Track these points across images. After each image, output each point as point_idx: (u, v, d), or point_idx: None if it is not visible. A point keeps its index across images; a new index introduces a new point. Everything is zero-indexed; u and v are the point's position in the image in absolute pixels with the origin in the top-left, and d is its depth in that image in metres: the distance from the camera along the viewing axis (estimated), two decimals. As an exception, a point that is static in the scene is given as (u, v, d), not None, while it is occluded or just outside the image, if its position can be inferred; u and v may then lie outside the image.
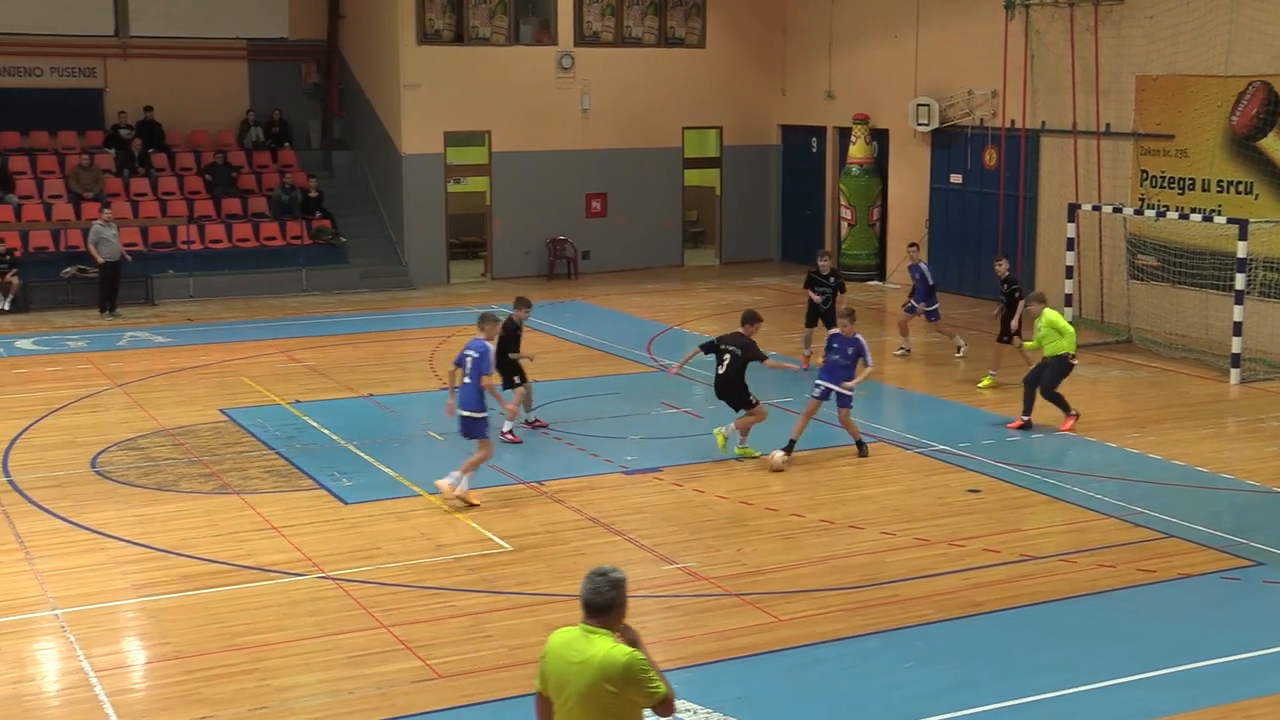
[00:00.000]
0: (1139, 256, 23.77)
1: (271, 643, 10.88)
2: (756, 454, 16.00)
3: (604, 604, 6.32)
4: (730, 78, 31.98)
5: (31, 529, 13.57)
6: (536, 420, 17.52)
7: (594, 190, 30.89)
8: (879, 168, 29.67)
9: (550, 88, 30.16)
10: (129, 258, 25.91)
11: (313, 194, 29.35)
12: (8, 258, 25.63)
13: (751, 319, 16.51)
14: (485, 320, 15.15)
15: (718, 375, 16.28)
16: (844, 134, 30.40)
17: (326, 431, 17.30)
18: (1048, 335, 17.31)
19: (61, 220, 27.33)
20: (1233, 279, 20.50)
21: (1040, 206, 26.16)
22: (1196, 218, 21.63)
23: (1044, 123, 25.89)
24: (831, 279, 20.95)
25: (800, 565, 12.64)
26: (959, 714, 9.66)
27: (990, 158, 27.20)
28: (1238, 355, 20.22)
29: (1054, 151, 25.82)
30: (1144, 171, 24.16)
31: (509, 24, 29.75)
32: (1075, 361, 17.57)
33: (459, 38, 29.35)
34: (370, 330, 24.47)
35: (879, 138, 29.63)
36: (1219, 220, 21.25)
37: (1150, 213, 22.60)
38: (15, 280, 25.53)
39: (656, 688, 6.28)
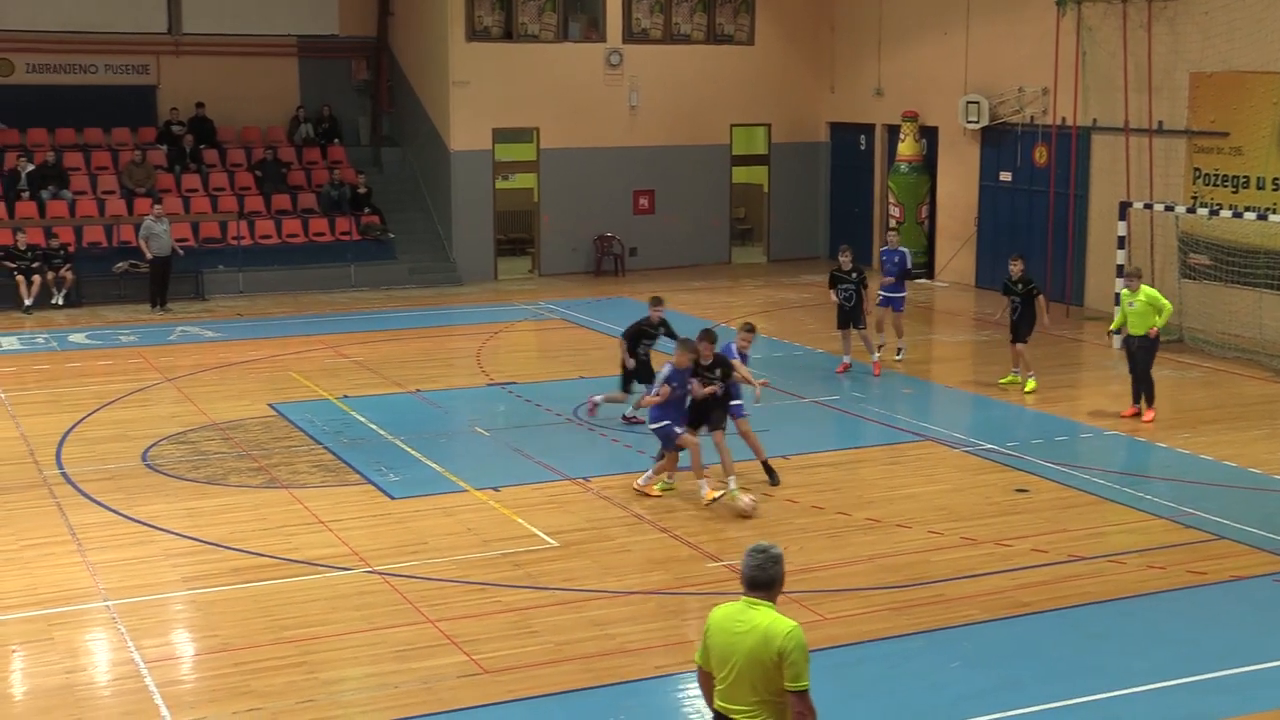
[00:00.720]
0: (1191, 255, 23.57)
1: (319, 636, 10.96)
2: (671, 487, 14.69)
3: (767, 579, 6.74)
4: (779, 75, 31.92)
5: (83, 521, 13.73)
6: (634, 417, 17.22)
7: (641, 187, 30.91)
8: (928, 165, 29.55)
9: (599, 84, 30.20)
10: (180, 252, 26.16)
11: (361, 190, 29.52)
12: (62, 253, 25.91)
13: (700, 338, 14.42)
14: (681, 345, 14.36)
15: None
16: (893, 131, 30.29)
17: (374, 426, 17.41)
18: (1144, 312, 17.50)
19: (114, 216, 27.62)
20: (1286, 278, 20.33)
21: (1091, 205, 25.98)
22: (1251, 216, 21.44)
23: (1095, 120, 25.71)
24: (854, 274, 20.17)
25: (846, 564, 12.63)
26: (1003, 715, 9.62)
27: (1041, 155, 27.03)
28: (1291, 355, 20.07)
29: (1105, 149, 25.64)
30: (1197, 169, 23.95)
31: (558, 20, 29.81)
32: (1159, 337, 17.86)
33: (508, 34, 29.44)
34: (418, 326, 24.59)
35: (928, 135, 29.51)
36: (1274, 219, 21.06)
37: (1203, 211, 22.41)
38: (69, 275, 25.82)
39: (802, 673, 6.57)
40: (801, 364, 21.39)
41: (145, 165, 28.48)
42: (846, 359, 20.51)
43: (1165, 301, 17.76)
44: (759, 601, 6.71)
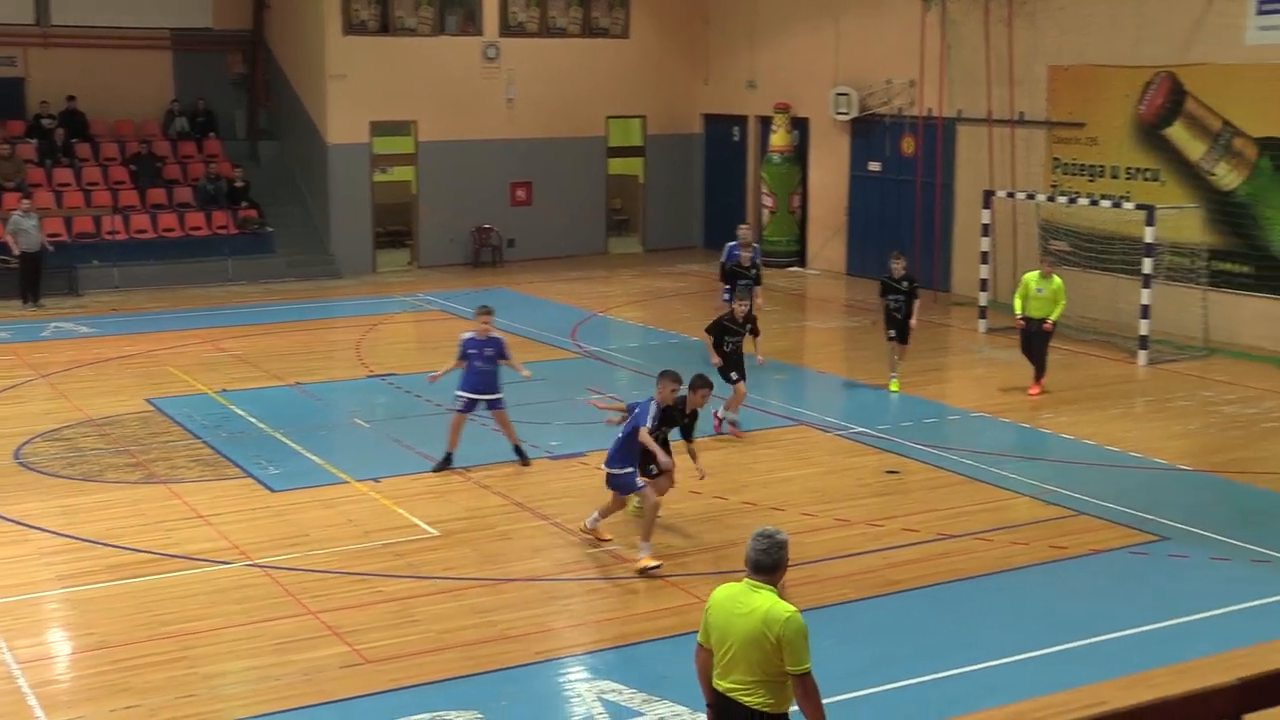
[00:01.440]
0: (1052, 242, 24.02)
1: (198, 631, 10.76)
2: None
3: (772, 563, 6.81)
4: (653, 67, 31.97)
5: (-45, 521, 13.35)
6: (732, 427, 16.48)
7: (519, 179, 30.78)
8: (799, 156, 29.79)
9: (476, 78, 30.00)
10: (50, 248, 25.46)
11: (238, 184, 29.03)
12: (-70, 249, 25.18)
13: (694, 384, 13.25)
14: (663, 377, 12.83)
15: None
16: (765, 123, 30.49)
17: (253, 420, 17.13)
18: (1048, 299, 18.25)
19: (-17, 211, 26.89)
20: (1141, 263, 20.79)
21: (956, 193, 26.38)
22: (1106, 204, 21.90)
23: (960, 111, 26.10)
24: (905, 283, 18.50)
25: (723, 546, 12.68)
26: (877, 690, 9.72)
27: (908, 146, 27.38)
28: (1145, 337, 20.52)
29: (970, 139, 26.04)
30: (1056, 159, 24.42)
31: (434, 14, 29.54)
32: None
33: (384, 28, 29.11)
34: (297, 319, 24.24)
35: (799, 126, 29.74)
36: (1128, 206, 21.53)
37: (1062, 199, 22.85)
38: (-63, 271, 25.08)
39: (803, 657, 6.70)
40: (677, 352, 21.44)
41: (14, 159, 27.70)
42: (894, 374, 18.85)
43: (1064, 296, 18.38)
44: (761, 585, 6.80)
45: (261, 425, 16.90)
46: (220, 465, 15.26)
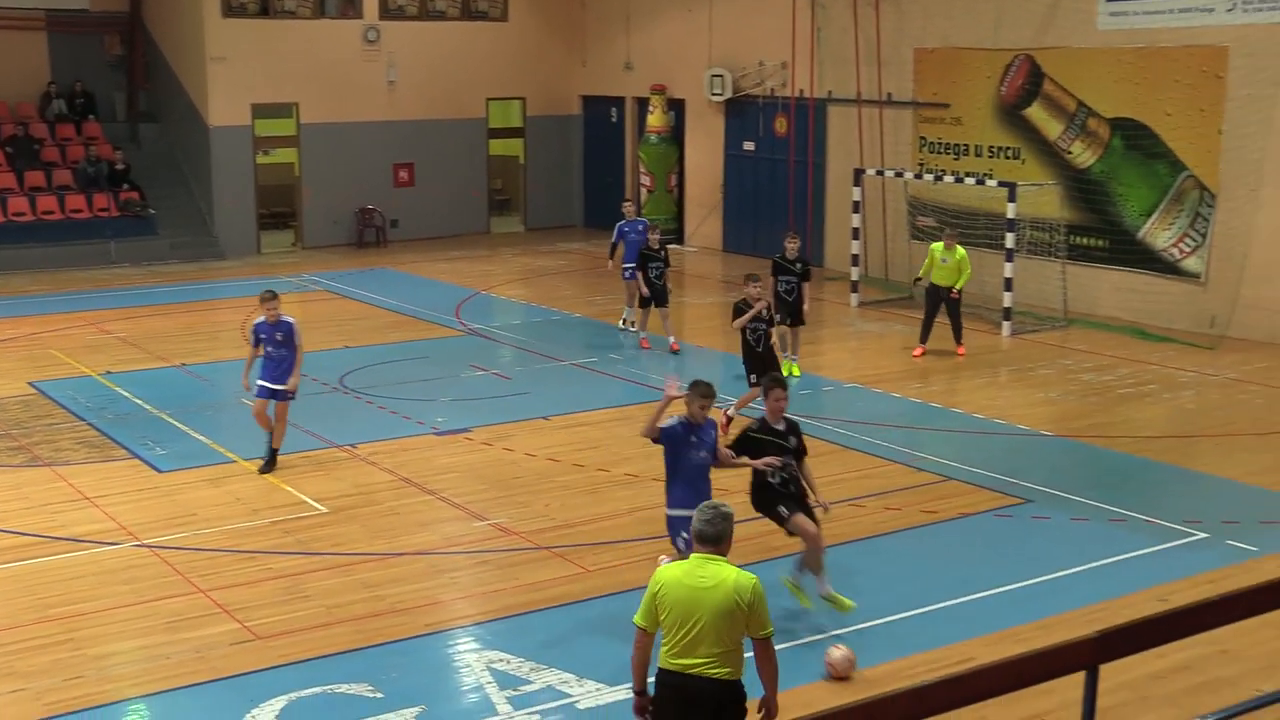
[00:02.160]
0: (919, 218, 24.40)
1: (86, 612, 10.55)
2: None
3: (716, 534, 6.74)
4: (532, 50, 31.82)
5: None
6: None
7: (401, 160, 30.50)
8: (676, 136, 29.86)
9: (357, 60, 29.64)
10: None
11: (119, 166, 28.40)
12: None
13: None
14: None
15: None
16: (642, 104, 30.50)
17: (139, 401, 16.81)
18: (953, 268, 18.90)
19: None
20: (1003, 238, 21.17)
21: (828, 171, 26.64)
22: (970, 181, 22.26)
23: (830, 92, 26.34)
24: (798, 265, 17.75)
25: (606, 518, 12.71)
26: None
27: (781, 126, 27.58)
28: (1008, 309, 20.91)
29: (840, 120, 26.29)
30: (923, 138, 24.76)
31: (314, -3, 29.15)
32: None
33: (264, 11, 28.63)
34: (181, 301, 23.80)
35: (675, 107, 29.81)
36: (990, 183, 21.90)
37: (929, 177, 23.18)
38: None
39: (768, 621, 6.75)
40: (559, 328, 21.44)
41: (-111, 143, 26.87)
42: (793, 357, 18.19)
43: (969, 266, 19.08)
44: (713, 556, 6.75)
45: (147, 406, 16.58)
46: (106, 447, 14.96)
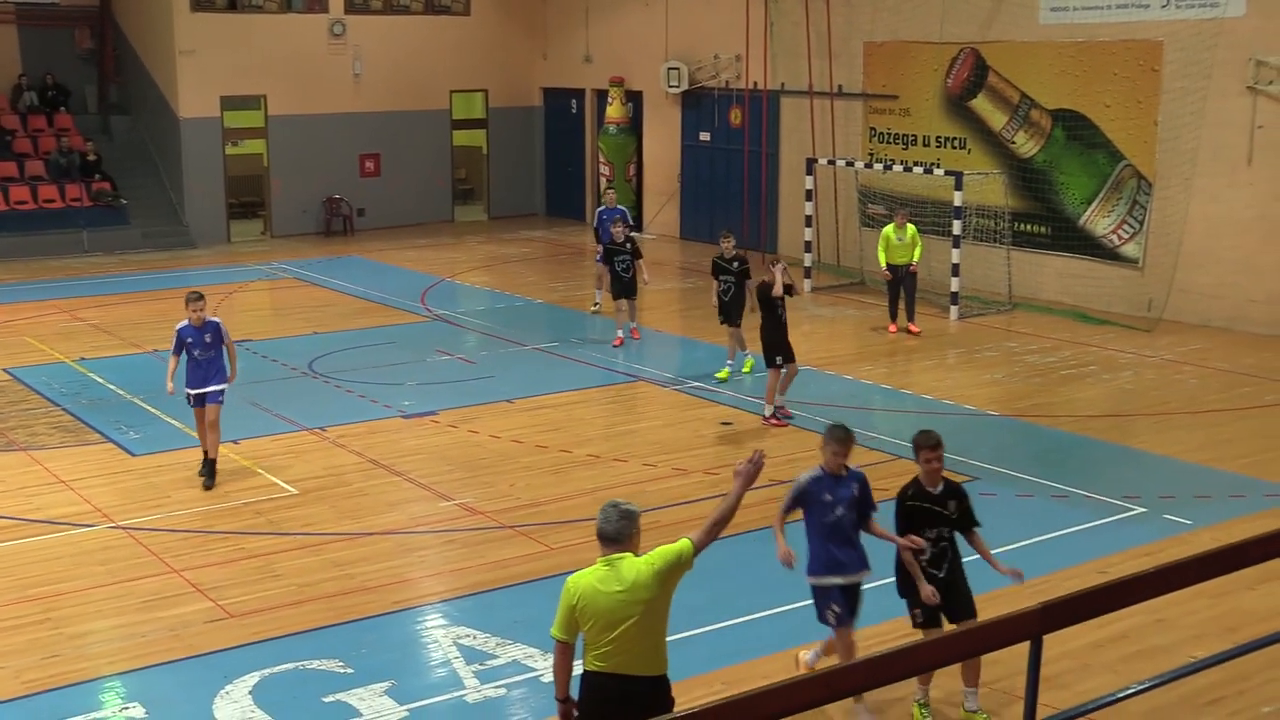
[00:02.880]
0: (869, 206, 24.47)
1: (63, 593, 10.48)
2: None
3: (614, 532, 6.49)
4: (494, 43, 31.70)
5: None
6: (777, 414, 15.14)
7: (367, 151, 30.34)
8: (634, 127, 29.82)
9: (323, 54, 29.44)
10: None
11: (91, 157, 28.12)
12: None
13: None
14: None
15: None
16: (601, 96, 30.44)
17: (112, 387, 16.69)
18: (909, 245, 19.33)
19: None
20: (950, 225, 21.27)
21: (781, 161, 26.68)
22: (918, 170, 22.34)
23: (783, 84, 26.36)
24: (735, 264, 16.76)
25: (569, 497, 12.72)
26: (714, 627, 9.86)
27: (735, 117, 27.59)
28: (956, 294, 21.02)
29: (793, 111, 26.33)
30: (872, 129, 24.83)
31: (280, -8, 28.93)
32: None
33: (232, 5, 28.39)
34: (153, 288, 23.59)
35: (634, 99, 29.77)
36: (938, 172, 22.00)
37: (878, 166, 23.25)
38: None
39: (679, 548, 6.53)
40: (522, 313, 21.40)
41: None
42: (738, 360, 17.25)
43: (921, 240, 19.60)
44: (618, 556, 6.47)
45: (121, 391, 16.46)
46: (80, 431, 14.84)
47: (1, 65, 29.03)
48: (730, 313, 16.74)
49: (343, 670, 9.15)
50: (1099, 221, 21.43)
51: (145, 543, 11.50)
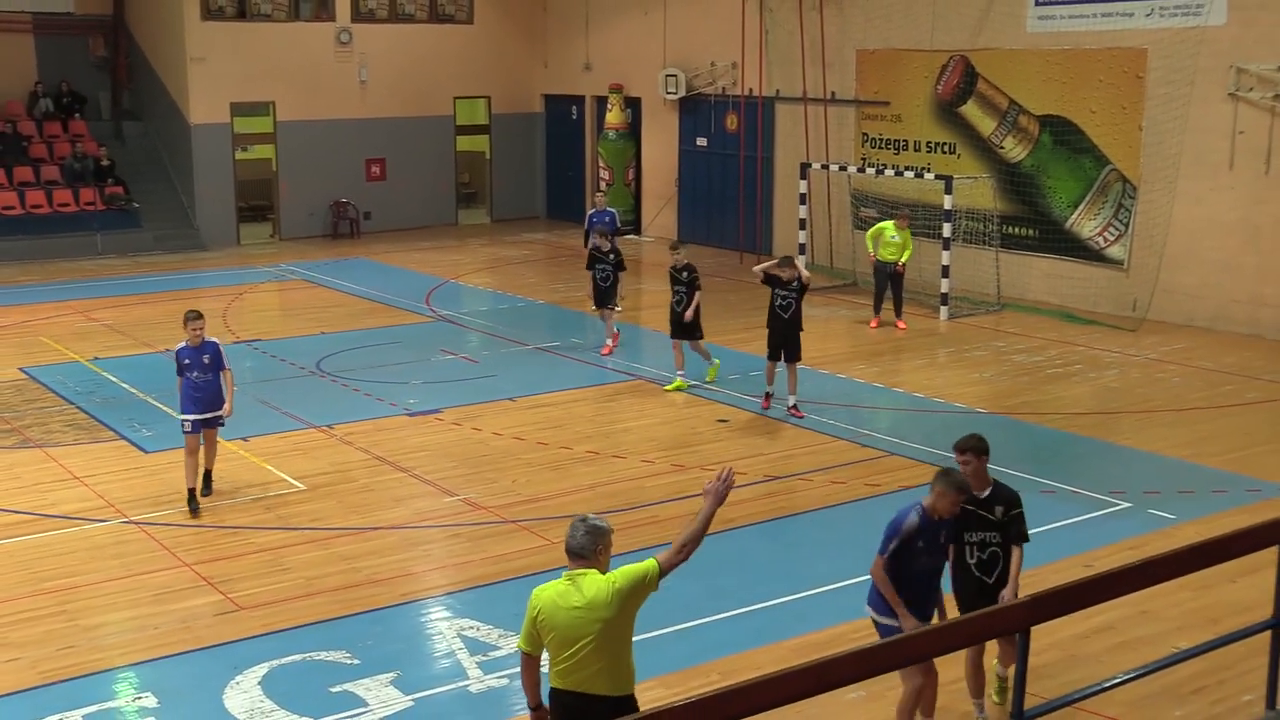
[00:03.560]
0: (862, 209, 24.47)
1: (77, 586, 10.47)
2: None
3: (579, 547, 6.18)
4: (497, 51, 31.69)
5: None
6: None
7: (373, 156, 30.32)
8: (633, 132, 29.81)
9: (330, 61, 29.43)
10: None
11: (104, 162, 28.11)
12: None
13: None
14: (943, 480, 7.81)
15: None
16: (601, 102, 30.43)
17: (125, 385, 16.68)
18: (901, 244, 19.66)
19: None
20: (940, 228, 21.27)
21: (776, 166, 26.67)
22: (909, 174, 22.33)
23: (778, 91, 26.36)
24: (685, 274, 16.42)
25: (569, 492, 12.72)
26: (712, 619, 9.86)
27: (731, 123, 27.58)
28: (946, 294, 21.02)
29: (787, 117, 26.32)
30: (865, 134, 24.83)
31: (289, 1, 28.86)
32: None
33: (242, 14, 28.37)
34: (166, 290, 23.58)
35: (632, 105, 29.76)
36: (928, 177, 21.99)
37: (870, 170, 23.24)
38: None
39: (644, 568, 6.19)
40: (524, 314, 21.40)
41: (-117, 140, 26.46)
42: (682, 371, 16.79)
43: (911, 243, 19.98)
44: (582, 572, 6.17)
45: (133, 390, 16.45)
46: (94, 429, 14.83)
47: (18, 73, 29.01)
48: (679, 323, 16.37)
49: (349, 661, 9.15)
50: (1085, 224, 21.43)
51: (157, 537, 11.49)
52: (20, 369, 17.52)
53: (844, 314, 21.34)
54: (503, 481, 13.03)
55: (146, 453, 13.97)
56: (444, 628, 9.77)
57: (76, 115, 29.25)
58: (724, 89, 27.53)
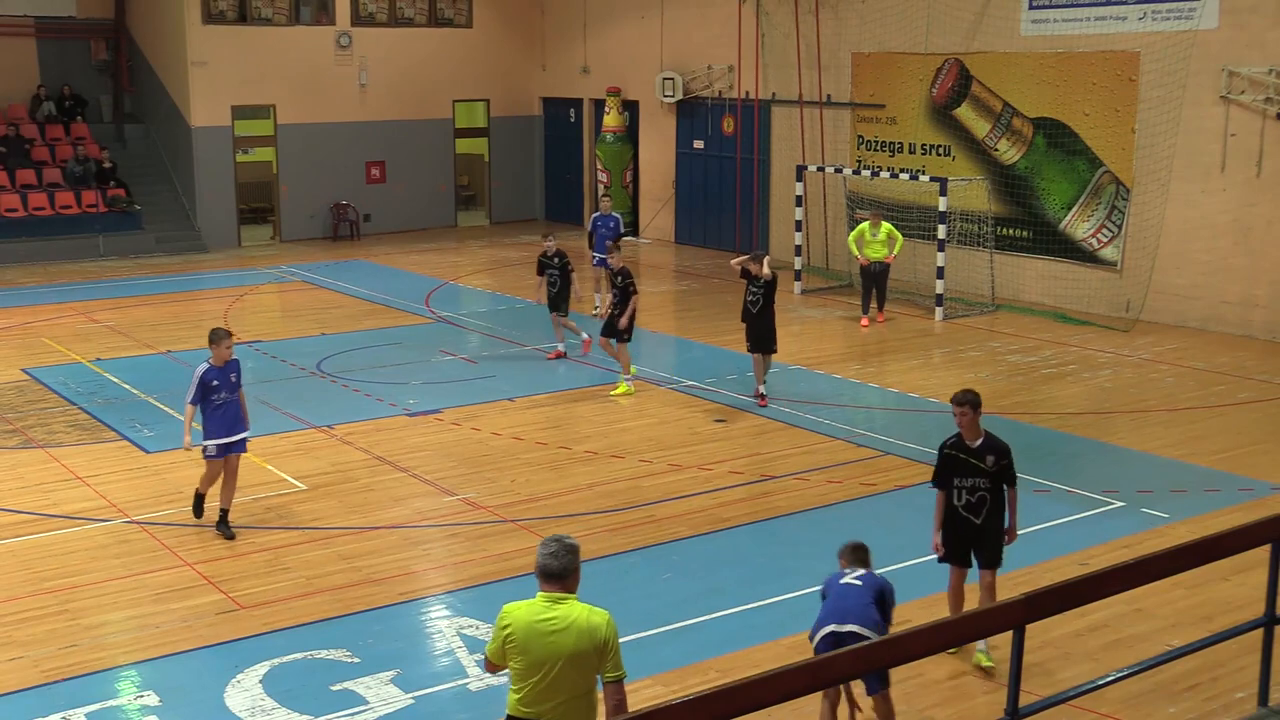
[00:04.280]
0: (857, 211, 24.44)
1: (80, 585, 10.46)
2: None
3: (560, 569, 5.78)
4: (495, 55, 31.68)
5: None
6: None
7: (373, 158, 30.31)
8: (630, 135, 29.81)
9: (330, 64, 29.42)
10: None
11: (106, 165, 28.09)
12: None
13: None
14: None
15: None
16: (598, 105, 30.43)
17: (127, 386, 16.66)
18: (884, 241, 19.92)
19: None
20: (935, 229, 21.27)
21: (772, 168, 26.66)
22: (904, 176, 22.34)
23: (774, 94, 26.36)
24: (619, 279, 16.33)
25: (568, 492, 12.72)
26: (710, 617, 9.86)
27: (728, 125, 27.58)
28: (941, 295, 21.02)
29: (783, 119, 26.32)
30: (860, 136, 24.83)
31: (290, 5, 28.85)
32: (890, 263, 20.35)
33: (243, 18, 28.36)
34: (167, 291, 23.60)
35: (630, 108, 29.75)
36: (923, 179, 22.00)
37: (866, 173, 23.23)
38: None
39: (620, 662, 5.82)
40: (522, 315, 21.38)
41: (-113, 143, 26.43)
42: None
43: (899, 234, 20.18)
44: (561, 595, 5.80)
45: (135, 391, 16.44)
46: (96, 429, 14.82)
47: (21, 76, 28.99)
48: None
49: (350, 659, 9.14)
50: (1079, 226, 21.44)
51: (159, 537, 11.48)
52: (23, 370, 17.50)
53: (839, 315, 21.34)
54: (502, 481, 13.02)
55: (148, 453, 13.95)
56: (444, 626, 9.77)
57: (78, 118, 29.23)
58: (720, 92, 27.53)
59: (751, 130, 26.76)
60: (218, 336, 11.39)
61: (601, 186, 29.55)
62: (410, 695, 8.65)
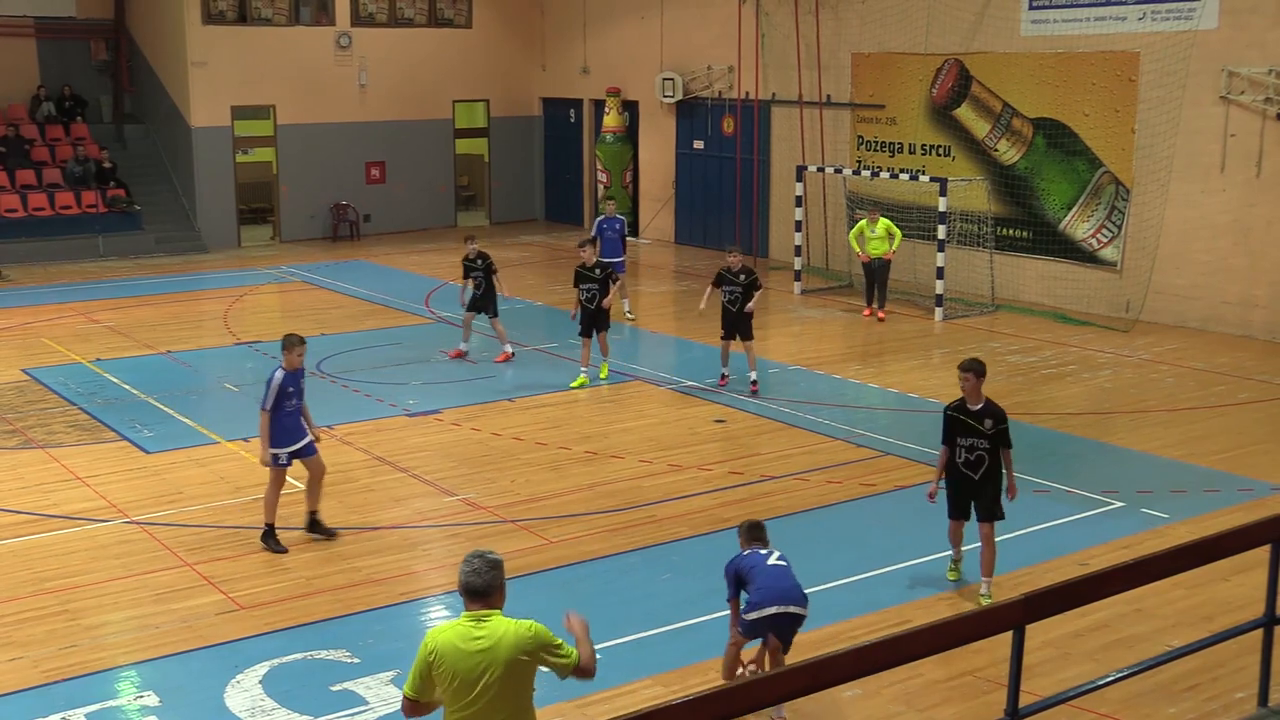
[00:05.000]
0: (857, 211, 24.44)
1: (80, 585, 10.46)
2: None
3: (484, 585, 5.68)
4: (495, 55, 31.69)
5: None
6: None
7: (373, 159, 30.31)
8: (630, 135, 29.80)
9: (330, 65, 29.42)
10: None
11: (106, 165, 28.08)
12: None
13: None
14: None
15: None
16: (598, 105, 30.43)
17: (127, 387, 16.66)
18: (882, 237, 20.52)
19: None
20: (935, 229, 21.28)
21: (772, 168, 26.67)
22: (904, 177, 22.35)
23: (774, 94, 26.36)
24: (596, 270, 16.53)
25: (568, 492, 12.72)
26: (709, 617, 9.83)
27: (728, 126, 27.58)
28: (940, 296, 21.03)
29: (783, 120, 26.32)
30: (860, 137, 24.83)
31: (290, 5, 28.86)
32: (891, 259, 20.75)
33: (242, 18, 28.36)
34: (167, 291, 23.59)
35: (629, 108, 29.75)
36: (923, 179, 22.00)
37: (866, 173, 23.24)
38: None
39: (567, 653, 5.71)
40: (523, 316, 21.38)
41: (-113, 144, 26.43)
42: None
43: (897, 230, 20.48)
44: (486, 612, 5.66)
45: (135, 391, 16.44)
46: (96, 429, 14.82)
47: (21, 77, 28.99)
48: (597, 320, 16.60)
49: (350, 660, 9.14)
50: (1079, 226, 21.44)
51: (159, 537, 11.48)
52: (23, 370, 17.50)
53: (839, 315, 21.34)
54: (501, 481, 13.02)
55: (148, 453, 13.95)
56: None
57: (78, 118, 29.23)
58: (720, 92, 27.53)
59: (751, 130, 26.77)
60: (291, 343, 11.11)
61: (601, 187, 29.55)
62: (410, 695, 8.63)
